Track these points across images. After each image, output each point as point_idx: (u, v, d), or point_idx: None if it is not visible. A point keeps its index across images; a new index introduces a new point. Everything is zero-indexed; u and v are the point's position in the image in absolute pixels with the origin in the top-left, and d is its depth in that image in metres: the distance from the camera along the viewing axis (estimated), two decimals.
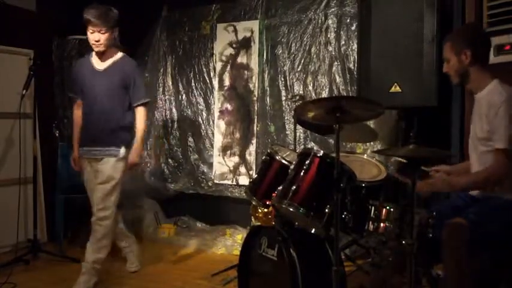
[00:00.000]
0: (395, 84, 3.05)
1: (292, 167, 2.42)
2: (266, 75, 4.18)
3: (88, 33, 3.06)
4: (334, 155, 2.05)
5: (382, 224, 2.19)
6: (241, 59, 4.29)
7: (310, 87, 3.96)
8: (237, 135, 4.34)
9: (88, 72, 3.15)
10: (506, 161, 2.16)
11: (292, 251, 2.29)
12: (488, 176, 2.20)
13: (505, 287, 2.32)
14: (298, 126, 3.76)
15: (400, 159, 2.74)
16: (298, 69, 4.02)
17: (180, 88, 4.65)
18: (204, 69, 4.51)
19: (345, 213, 2.17)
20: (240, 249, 2.70)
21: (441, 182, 2.31)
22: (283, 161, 2.69)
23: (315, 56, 3.94)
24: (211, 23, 4.47)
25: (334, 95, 3.78)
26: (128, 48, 4.68)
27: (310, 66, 3.96)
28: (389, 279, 2.42)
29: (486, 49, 2.38)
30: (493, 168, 2.19)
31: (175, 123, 4.69)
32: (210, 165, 4.49)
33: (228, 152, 4.37)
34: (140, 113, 3.21)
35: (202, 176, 4.52)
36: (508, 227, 2.19)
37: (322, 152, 2.32)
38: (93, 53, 3.17)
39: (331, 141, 3.81)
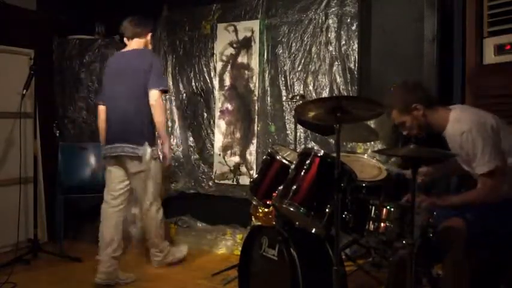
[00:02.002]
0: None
1: (292, 166, 2.42)
2: (266, 75, 4.18)
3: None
4: (334, 154, 2.05)
5: (382, 224, 2.19)
6: (242, 58, 4.29)
7: (311, 87, 3.95)
8: (238, 135, 4.33)
9: None
10: (492, 182, 2.19)
11: (292, 250, 2.29)
12: (477, 198, 2.24)
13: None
14: (299, 126, 3.76)
15: None
16: (299, 69, 4.01)
17: (181, 88, 4.65)
18: (205, 69, 4.50)
19: (346, 213, 2.17)
20: (240, 249, 2.70)
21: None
22: (284, 161, 2.69)
23: (315, 56, 3.94)
24: (211, 23, 4.46)
25: (334, 94, 3.78)
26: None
27: (310, 66, 3.96)
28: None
29: (426, 92, 2.44)
30: (483, 191, 2.23)
31: (176, 122, 4.69)
32: (211, 165, 4.49)
33: (229, 152, 4.37)
34: None
35: (203, 176, 4.52)
36: (505, 225, 2.20)
37: (322, 151, 2.32)
38: None
39: (332, 141, 3.81)
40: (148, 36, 3.48)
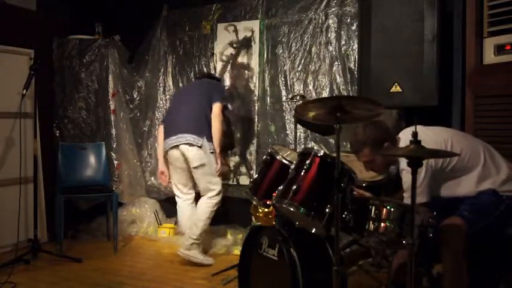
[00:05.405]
0: (396, 83, 3.05)
1: (292, 166, 2.42)
2: (266, 75, 4.18)
3: None
4: (334, 154, 2.05)
5: (382, 224, 2.19)
6: (242, 58, 4.29)
7: (311, 87, 3.95)
8: (238, 134, 4.33)
9: None
10: None
11: (292, 250, 2.29)
12: None
13: (505, 287, 2.32)
14: (299, 126, 3.76)
15: None
16: (299, 69, 4.01)
17: None
18: (205, 69, 4.50)
19: (346, 213, 2.17)
20: (240, 249, 2.70)
21: None
22: (284, 161, 2.69)
23: (315, 56, 3.94)
24: (211, 23, 4.46)
25: (334, 94, 3.78)
26: (128, 49, 4.73)
27: (310, 66, 3.96)
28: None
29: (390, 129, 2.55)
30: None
31: None
32: None
33: (229, 152, 4.37)
34: None
35: None
36: (505, 224, 2.20)
37: (322, 151, 2.32)
38: None
39: (332, 141, 3.81)
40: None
